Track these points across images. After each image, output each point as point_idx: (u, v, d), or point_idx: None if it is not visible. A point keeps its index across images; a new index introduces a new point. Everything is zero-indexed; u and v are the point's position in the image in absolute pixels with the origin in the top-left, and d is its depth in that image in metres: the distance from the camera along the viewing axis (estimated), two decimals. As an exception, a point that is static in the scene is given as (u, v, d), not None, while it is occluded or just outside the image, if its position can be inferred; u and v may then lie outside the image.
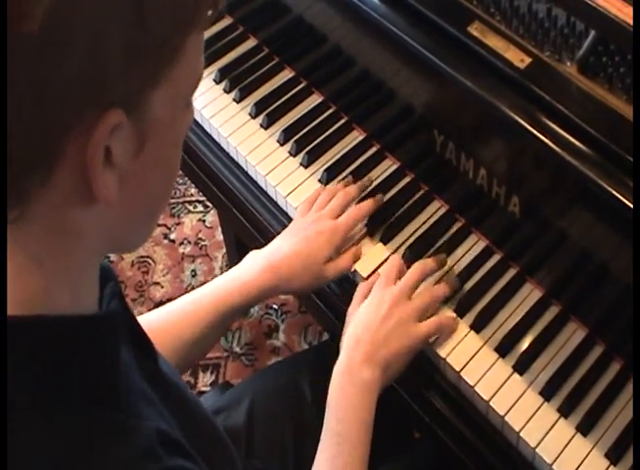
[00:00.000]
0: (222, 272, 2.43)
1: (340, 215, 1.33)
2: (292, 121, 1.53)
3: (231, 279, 1.26)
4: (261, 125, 1.53)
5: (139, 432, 0.73)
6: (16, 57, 0.59)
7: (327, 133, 1.51)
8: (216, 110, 1.57)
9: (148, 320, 1.14)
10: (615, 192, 1.05)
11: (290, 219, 1.44)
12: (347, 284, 1.34)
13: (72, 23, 0.59)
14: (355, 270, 1.32)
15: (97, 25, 0.60)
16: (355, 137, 1.49)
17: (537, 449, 1.12)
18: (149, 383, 0.83)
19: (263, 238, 1.51)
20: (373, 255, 1.34)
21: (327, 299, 1.39)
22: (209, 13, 0.69)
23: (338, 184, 1.41)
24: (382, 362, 1.16)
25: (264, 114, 1.54)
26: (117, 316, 0.80)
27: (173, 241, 2.59)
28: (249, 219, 1.55)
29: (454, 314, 1.25)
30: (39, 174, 0.65)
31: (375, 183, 1.43)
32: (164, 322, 1.20)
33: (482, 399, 1.17)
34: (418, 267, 1.26)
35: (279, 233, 1.44)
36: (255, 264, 1.27)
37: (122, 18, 0.61)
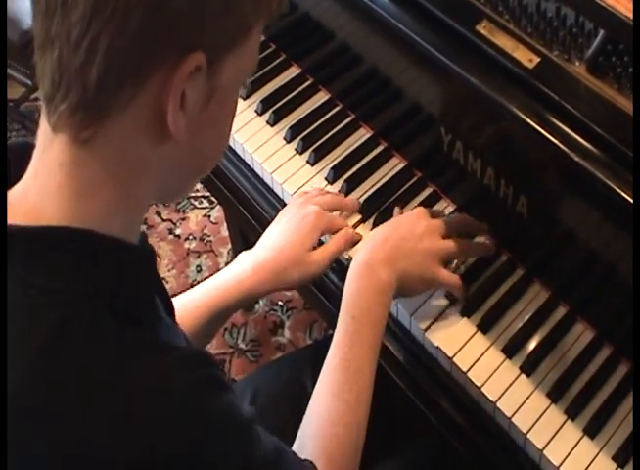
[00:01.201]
0: (228, 268, 2.44)
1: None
2: (298, 119, 1.52)
3: (222, 282, 1.26)
4: (268, 123, 1.53)
5: (174, 350, 0.79)
6: None
7: (334, 131, 1.50)
8: (223, 107, 1.56)
9: None
10: (623, 193, 1.05)
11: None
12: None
13: None
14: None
15: None
16: (362, 135, 1.49)
17: (544, 451, 1.12)
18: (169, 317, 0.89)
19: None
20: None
21: (332, 295, 1.38)
22: (273, 8, 0.78)
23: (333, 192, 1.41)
24: (400, 272, 1.17)
25: (271, 111, 1.54)
26: (154, 254, 0.88)
27: (179, 236, 2.59)
28: (254, 216, 1.55)
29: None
30: (125, 94, 0.71)
31: (382, 182, 1.42)
32: None
33: (489, 400, 1.17)
34: (460, 216, 1.30)
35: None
36: (243, 265, 1.27)
37: None
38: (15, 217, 0.75)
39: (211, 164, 0.87)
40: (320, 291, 1.43)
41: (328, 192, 1.39)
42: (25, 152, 0.78)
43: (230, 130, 0.84)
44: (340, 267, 1.35)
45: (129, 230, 0.81)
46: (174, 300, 1.24)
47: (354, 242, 1.32)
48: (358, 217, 1.38)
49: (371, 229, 1.35)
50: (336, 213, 1.35)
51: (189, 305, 1.23)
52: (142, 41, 0.69)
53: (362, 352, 1.12)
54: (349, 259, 1.30)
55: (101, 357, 0.73)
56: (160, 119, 0.73)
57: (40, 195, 0.76)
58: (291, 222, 1.29)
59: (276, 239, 1.28)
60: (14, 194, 0.78)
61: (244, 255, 1.30)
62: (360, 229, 1.36)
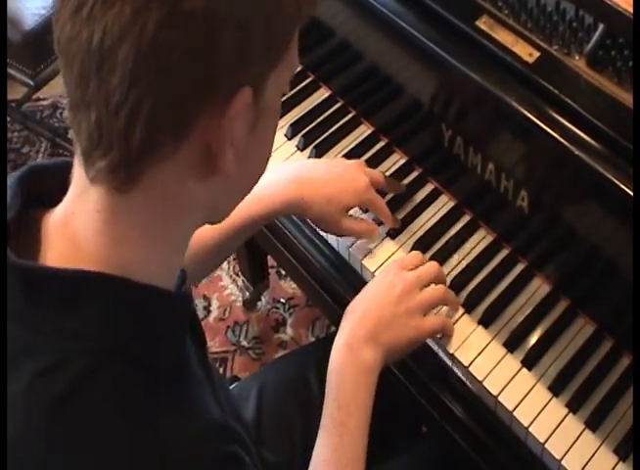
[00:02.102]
0: (229, 266, 2.44)
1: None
2: (299, 116, 1.53)
3: (257, 193, 1.24)
4: (269, 119, 1.53)
5: (199, 417, 0.78)
6: (174, 32, 0.65)
7: (335, 127, 1.50)
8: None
9: None
10: (623, 186, 1.05)
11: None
12: (355, 279, 1.34)
13: (227, 10, 0.66)
14: (363, 265, 1.31)
15: (248, 16, 0.67)
16: (363, 131, 1.49)
17: (546, 445, 1.12)
18: (200, 367, 0.87)
19: (270, 232, 1.52)
20: (381, 249, 1.34)
21: (335, 292, 1.39)
22: (308, 13, 0.75)
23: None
24: (384, 346, 1.14)
25: (272, 108, 1.53)
26: (191, 300, 0.87)
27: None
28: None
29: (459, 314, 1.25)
30: (169, 147, 0.69)
31: (383, 178, 1.42)
32: None
33: (491, 394, 1.17)
34: (436, 265, 1.24)
35: (286, 226, 1.45)
36: (280, 176, 1.26)
37: (268, 12, 0.69)
38: (52, 252, 0.75)
39: (259, 179, 0.85)
40: (322, 288, 1.43)
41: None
42: (66, 172, 0.77)
43: (273, 143, 0.83)
44: (342, 266, 1.36)
45: (167, 273, 0.80)
46: None
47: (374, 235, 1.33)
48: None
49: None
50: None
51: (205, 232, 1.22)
52: (185, 98, 0.67)
53: (352, 441, 1.09)
54: (361, 267, 1.32)
55: (118, 417, 0.71)
56: (208, 160, 0.72)
57: (78, 235, 0.74)
58: (339, 170, 1.29)
59: (321, 170, 1.29)
60: (51, 224, 0.77)
61: (280, 166, 1.31)
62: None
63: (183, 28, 0.65)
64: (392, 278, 1.20)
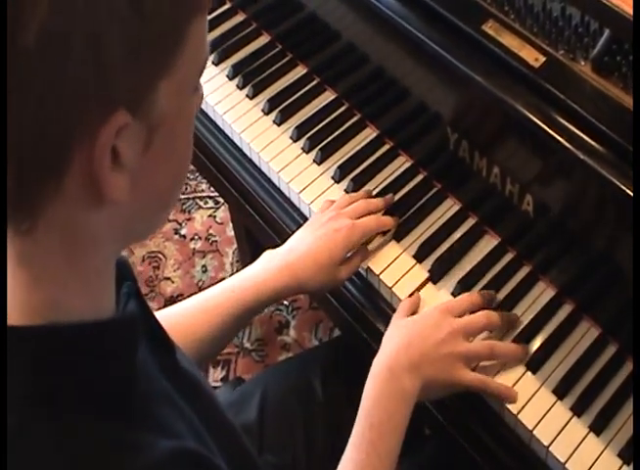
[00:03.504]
0: (233, 268, 2.45)
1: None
2: (305, 118, 1.53)
3: (246, 278, 1.25)
4: (274, 122, 1.53)
5: (150, 450, 0.72)
6: (15, 68, 0.58)
7: (340, 130, 1.51)
8: (229, 106, 1.57)
9: (163, 316, 1.14)
10: (629, 191, 1.05)
11: (302, 216, 1.44)
12: (359, 281, 1.34)
13: (69, 30, 0.59)
14: (369, 268, 1.32)
15: (93, 29, 0.59)
16: (369, 134, 1.49)
17: (550, 448, 1.12)
18: (167, 379, 0.83)
19: (276, 234, 1.52)
20: (386, 252, 1.34)
21: (339, 295, 1.39)
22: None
23: (360, 191, 1.40)
24: (423, 379, 1.13)
25: (277, 110, 1.54)
26: (134, 320, 0.80)
27: (184, 236, 2.59)
28: (261, 215, 1.55)
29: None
30: (51, 183, 0.64)
31: (388, 180, 1.43)
32: (179, 318, 1.19)
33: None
34: (486, 315, 1.21)
35: (291, 229, 1.45)
36: (271, 264, 1.25)
37: (119, 16, 0.60)
38: None
39: (176, 195, 0.80)
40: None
41: (354, 197, 1.37)
42: None
43: (191, 146, 0.76)
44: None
45: (96, 303, 0.75)
46: (192, 299, 1.24)
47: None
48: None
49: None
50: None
51: (207, 306, 1.22)
52: (46, 130, 0.61)
53: (378, 463, 1.09)
54: (366, 270, 1.32)
55: (61, 463, 0.68)
56: (98, 189, 0.66)
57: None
58: (321, 232, 1.28)
59: (306, 244, 1.27)
60: None
61: (267, 254, 1.28)
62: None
63: (23, 66, 0.58)
64: (439, 320, 1.18)
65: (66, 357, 0.70)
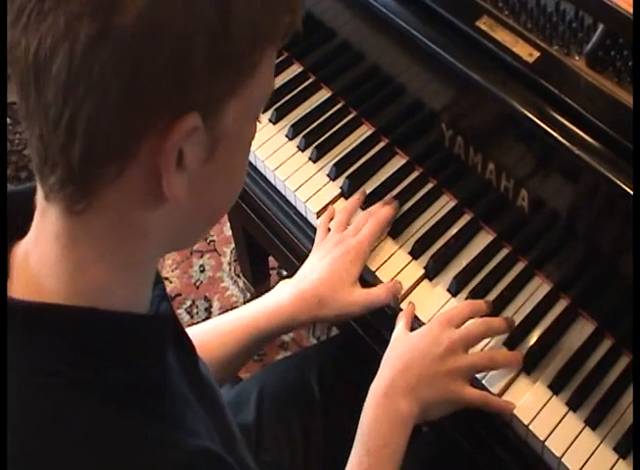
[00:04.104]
0: (230, 267, 2.45)
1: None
2: (300, 116, 1.53)
3: (260, 306, 1.26)
4: (270, 120, 1.54)
5: (179, 447, 0.73)
6: (107, 47, 0.61)
7: (336, 128, 1.51)
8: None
9: None
10: (623, 185, 1.05)
11: (299, 214, 1.44)
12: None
13: (163, 26, 0.62)
14: (365, 265, 1.32)
15: (185, 32, 0.63)
16: (364, 132, 1.50)
17: (546, 443, 1.12)
18: (189, 384, 0.84)
19: (273, 233, 1.52)
20: (382, 249, 1.34)
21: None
22: (287, 30, 0.71)
23: (354, 199, 1.40)
24: (421, 402, 1.12)
25: (273, 108, 1.54)
26: (168, 319, 0.82)
27: (182, 236, 2.59)
28: (257, 214, 1.56)
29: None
30: (114, 168, 0.66)
31: (384, 178, 1.43)
32: (195, 341, 1.19)
33: (492, 393, 1.17)
34: (485, 323, 1.21)
35: (288, 228, 1.45)
36: (284, 292, 1.27)
37: (209, 28, 0.64)
38: (17, 285, 0.73)
39: (224, 211, 0.84)
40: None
41: (350, 208, 1.38)
42: (30, 199, 0.74)
43: (245, 171, 0.79)
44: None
45: (136, 297, 0.77)
46: (206, 323, 1.25)
47: (396, 294, 1.29)
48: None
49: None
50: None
51: (222, 330, 1.23)
52: (123, 116, 0.64)
53: None
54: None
55: (93, 454, 0.68)
56: (155, 185, 0.68)
57: (40, 265, 0.73)
58: (331, 258, 1.29)
59: (317, 271, 1.28)
60: (17, 255, 0.75)
61: (282, 284, 1.30)
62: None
63: (114, 45, 0.61)
64: (438, 334, 1.17)
65: (104, 344, 0.73)
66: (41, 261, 0.73)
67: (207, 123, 0.67)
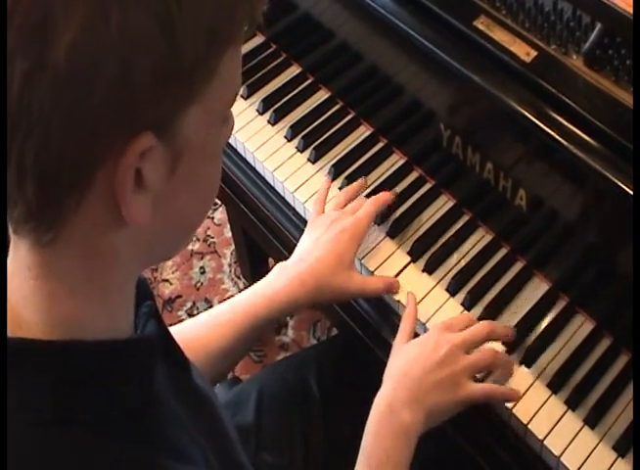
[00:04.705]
0: (231, 269, 2.45)
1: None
2: (299, 117, 1.53)
3: (258, 292, 1.25)
4: (269, 121, 1.54)
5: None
6: (43, 83, 0.59)
7: (334, 129, 1.51)
8: (224, 106, 1.57)
9: (176, 331, 1.14)
10: (622, 184, 1.05)
11: (297, 215, 1.44)
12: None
13: (98, 54, 0.59)
14: (362, 264, 1.32)
15: (123, 55, 0.60)
16: (362, 132, 1.50)
17: (545, 442, 1.12)
18: (182, 401, 0.83)
19: (272, 234, 1.52)
20: (380, 249, 1.35)
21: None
22: (246, 28, 0.68)
23: (354, 184, 1.40)
24: (425, 409, 1.11)
25: (272, 110, 1.54)
26: (153, 341, 0.81)
27: (182, 238, 2.59)
28: (257, 215, 1.56)
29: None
30: (71, 199, 0.64)
31: (382, 178, 1.43)
32: (193, 334, 1.19)
33: (490, 391, 1.17)
34: (487, 326, 1.20)
35: (287, 228, 1.45)
36: (282, 276, 1.25)
37: (151, 45, 0.60)
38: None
39: (199, 222, 0.80)
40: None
41: (350, 192, 1.38)
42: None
43: (218, 177, 0.76)
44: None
45: (116, 321, 0.76)
46: (204, 314, 1.24)
47: (392, 290, 1.29)
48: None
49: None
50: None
51: (220, 321, 1.22)
52: (70, 150, 0.61)
53: None
54: (361, 267, 1.32)
55: None
56: (119, 209, 0.66)
57: (17, 296, 0.71)
58: (328, 236, 1.28)
59: (315, 252, 1.26)
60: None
61: (278, 267, 1.28)
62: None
63: (50, 80, 0.59)
64: (437, 339, 1.16)
65: (85, 376, 0.71)
66: (18, 294, 0.71)
67: (164, 139, 0.65)
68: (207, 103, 0.67)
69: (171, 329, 1.08)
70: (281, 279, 1.25)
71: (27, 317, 0.71)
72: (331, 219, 1.31)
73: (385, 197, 1.35)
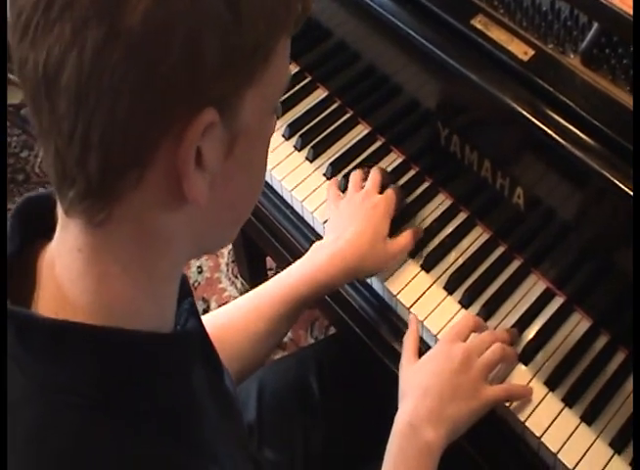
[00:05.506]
0: (228, 268, 2.45)
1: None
2: (297, 116, 1.54)
3: (297, 271, 1.25)
4: (267, 120, 1.54)
5: None
6: (115, 52, 0.60)
7: (332, 127, 1.51)
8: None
9: (217, 315, 1.14)
10: (618, 183, 1.06)
11: (295, 213, 1.45)
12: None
13: (171, 22, 0.60)
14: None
15: (195, 27, 0.61)
16: (360, 131, 1.50)
17: (542, 439, 1.13)
18: (215, 400, 0.84)
19: (270, 233, 1.53)
20: (377, 247, 1.34)
21: (333, 293, 1.39)
22: (299, 17, 0.69)
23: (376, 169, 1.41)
24: (448, 422, 1.10)
25: (269, 109, 1.54)
26: (195, 338, 0.82)
27: (179, 237, 2.59)
28: (255, 214, 1.55)
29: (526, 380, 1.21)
30: (133, 175, 0.65)
31: (380, 177, 1.43)
32: (233, 316, 1.19)
33: (487, 389, 1.18)
34: (494, 333, 1.22)
35: (284, 227, 1.45)
36: (321, 254, 1.25)
37: (219, 20, 0.62)
38: (43, 296, 0.73)
39: (248, 211, 0.80)
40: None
41: (361, 171, 1.39)
42: (48, 207, 0.74)
43: (265, 167, 0.78)
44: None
45: (161, 312, 0.76)
46: (244, 296, 1.24)
47: (419, 238, 1.32)
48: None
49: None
50: None
51: (261, 301, 1.21)
52: (138, 122, 0.63)
53: None
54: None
55: None
56: (179, 187, 0.67)
57: (63, 277, 0.71)
58: (362, 214, 1.29)
59: (351, 228, 1.27)
60: (44, 262, 0.74)
61: (316, 246, 1.29)
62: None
63: (124, 47, 0.60)
64: (450, 350, 1.16)
65: (129, 367, 0.71)
66: (65, 274, 0.71)
67: (225, 118, 0.66)
68: (263, 89, 0.68)
69: (212, 313, 1.08)
70: (321, 257, 1.25)
71: (73, 299, 0.71)
72: (361, 198, 1.32)
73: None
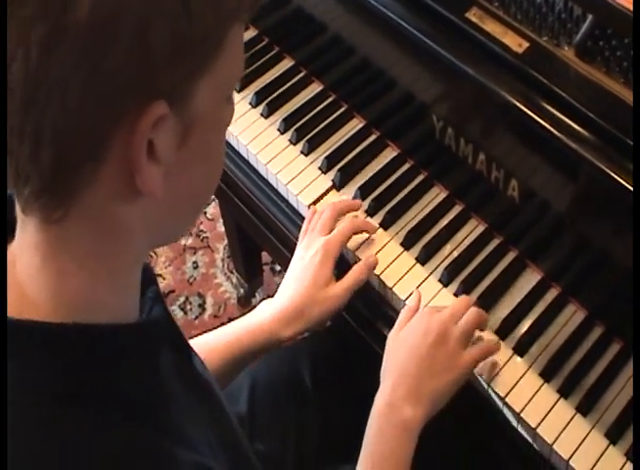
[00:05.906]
0: (224, 264, 2.45)
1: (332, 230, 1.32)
2: (292, 110, 1.54)
3: (245, 325, 1.26)
4: (262, 114, 1.54)
5: (174, 461, 0.73)
6: (62, 46, 0.60)
7: (327, 121, 1.51)
8: (217, 99, 1.57)
9: None
10: (613, 174, 1.06)
11: (290, 207, 1.45)
12: (347, 269, 1.35)
13: (119, 12, 0.60)
14: (356, 255, 1.33)
15: (143, 17, 0.61)
16: (355, 125, 1.50)
17: (538, 430, 1.13)
18: (185, 385, 0.84)
19: (265, 227, 1.53)
20: (373, 240, 1.35)
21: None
22: (252, 4, 0.70)
23: (329, 205, 1.38)
24: (427, 398, 1.11)
25: (265, 103, 1.55)
26: (160, 325, 0.81)
27: (175, 233, 2.59)
28: (250, 208, 1.56)
29: (495, 337, 1.23)
30: (87, 168, 0.65)
31: (375, 170, 1.44)
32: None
33: (483, 381, 1.18)
34: (469, 300, 1.22)
35: (280, 221, 1.46)
36: (264, 311, 1.27)
37: (168, 9, 0.62)
38: (8, 294, 0.71)
39: (206, 200, 0.83)
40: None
41: (330, 206, 1.37)
42: (12, 206, 0.73)
43: (222, 156, 0.78)
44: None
45: (123, 303, 0.76)
46: (197, 338, 1.23)
47: (373, 268, 1.31)
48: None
49: (365, 217, 1.37)
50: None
51: (207, 347, 1.21)
52: (88, 114, 0.62)
53: None
54: (354, 259, 1.33)
55: (85, 467, 0.68)
56: (133, 180, 0.67)
57: (23, 275, 0.71)
58: (302, 264, 1.29)
59: (292, 285, 1.28)
60: (8, 261, 0.73)
61: (264, 303, 1.30)
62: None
63: (71, 41, 0.60)
64: (427, 323, 1.16)
65: (94, 360, 0.71)
66: (24, 272, 0.71)
67: (176, 109, 0.66)
68: (216, 78, 0.68)
69: None
70: (265, 314, 1.27)
71: (33, 297, 0.71)
72: (303, 247, 1.32)
73: (364, 221, 1.36)
